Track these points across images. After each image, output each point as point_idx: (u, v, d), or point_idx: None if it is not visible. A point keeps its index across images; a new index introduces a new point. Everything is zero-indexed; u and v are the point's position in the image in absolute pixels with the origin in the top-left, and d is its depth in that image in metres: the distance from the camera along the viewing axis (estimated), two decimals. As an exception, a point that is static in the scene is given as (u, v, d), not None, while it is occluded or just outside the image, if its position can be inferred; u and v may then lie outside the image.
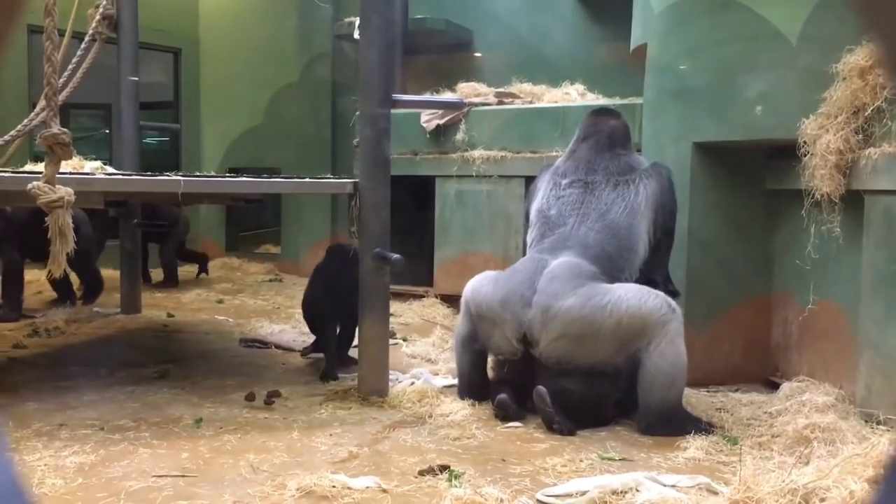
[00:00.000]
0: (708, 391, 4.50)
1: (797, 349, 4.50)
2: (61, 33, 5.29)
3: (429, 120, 7.22)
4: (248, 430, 3.67)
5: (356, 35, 7.25)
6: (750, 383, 4.66)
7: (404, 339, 5.82)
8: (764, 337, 4.80)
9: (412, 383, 4.43)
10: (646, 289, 3.85)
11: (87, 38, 6.11)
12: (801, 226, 4.21)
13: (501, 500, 2.64)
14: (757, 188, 4.72)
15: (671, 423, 3.71)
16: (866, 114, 3.72)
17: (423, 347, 5.50)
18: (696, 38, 4.59)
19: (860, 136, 3.78)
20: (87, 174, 4.17)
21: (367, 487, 2.93)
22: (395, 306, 6.23)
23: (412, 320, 6.69)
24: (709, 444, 3.47)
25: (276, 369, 4.95)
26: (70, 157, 3.07)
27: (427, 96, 7.22)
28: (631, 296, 3.76)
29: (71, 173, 3.74)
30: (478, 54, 9.28)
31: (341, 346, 4.98)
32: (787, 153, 4.19)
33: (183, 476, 3.03)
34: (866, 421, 3.47)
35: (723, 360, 4.71)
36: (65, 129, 2.94)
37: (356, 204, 4.27)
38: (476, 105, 7.09)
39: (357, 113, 4.70)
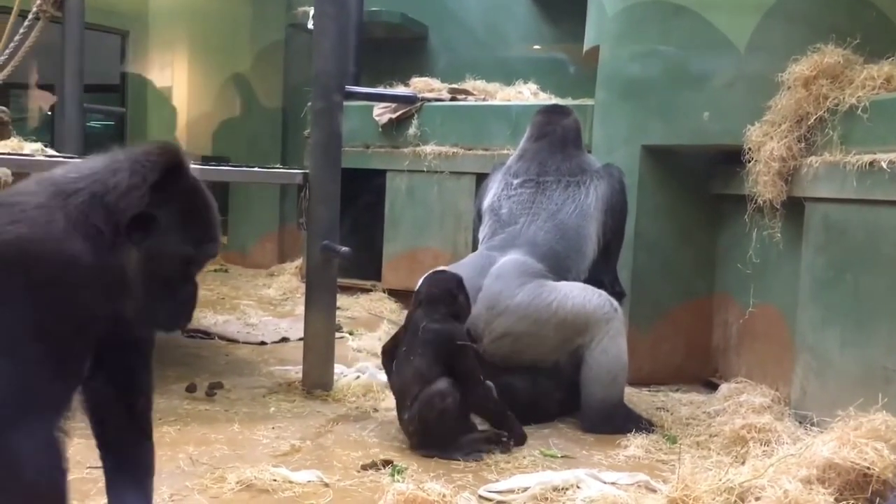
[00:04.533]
0: (650, 390, 4.57)
1: (736, 351, 4.60)
2: (7, 10, 5.12)
3: (381, 114, 7.18)
4: (189, 421, 3.61)
5: (310, 24, 7.17)
6: (690, 383, 4.75)
7: (351, 333, 5.78)
8: (705, 338, 4.89)
9: (357, 377, 4.40)
10: (590, 287, 3.89)
11: (30, 16, 5.91)
12: (744, 230, 4.30)
13: (444, 496, 2.64)
14: (703, 192, 4.81)
15: (613, 421, 3.76)
16: (809, 123, 3.82)
17: (369, 342, 5.47)
18: (648, 42, 4.65)
19: (803, 144, 3.87)
20: (27, 156, 4.04)
21: (309, 481, 2.91)
22: (342, 300, 6.18)
23: (359, 314, 6.65)
24: (649, 443, 3.53)
25: (219, 361, 4.87)
26: (8, 137, 2.98)
27: (380, 89, 7.17)
28: (576, 293, 3.80)
29: (9, 154, 3.62)
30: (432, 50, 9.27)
31: None
32: (732, 159, 4.28)
33: (119, 468, 2.96)
34: (800, 422, 3.56)
35: (664, 360, 4.79)
36: (4, 108, 2.85)
37: (306, 195, 4.22)
38: (429, 100, 7.06)
39: (309, 104, 4.66)
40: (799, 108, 3.85)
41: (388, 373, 3.73)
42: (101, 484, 2.79)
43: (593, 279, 4.12)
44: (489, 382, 3.57)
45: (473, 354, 3.47)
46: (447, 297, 3.54)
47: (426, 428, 3.32)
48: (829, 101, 3.73)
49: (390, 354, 3.67)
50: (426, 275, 3.76)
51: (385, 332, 5.73)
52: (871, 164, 3.36)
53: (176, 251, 1.93)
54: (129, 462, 2.21)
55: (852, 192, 3.47)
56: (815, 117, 3.78)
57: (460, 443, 3.36)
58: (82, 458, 3.04)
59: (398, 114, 7.08)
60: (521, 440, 3.48)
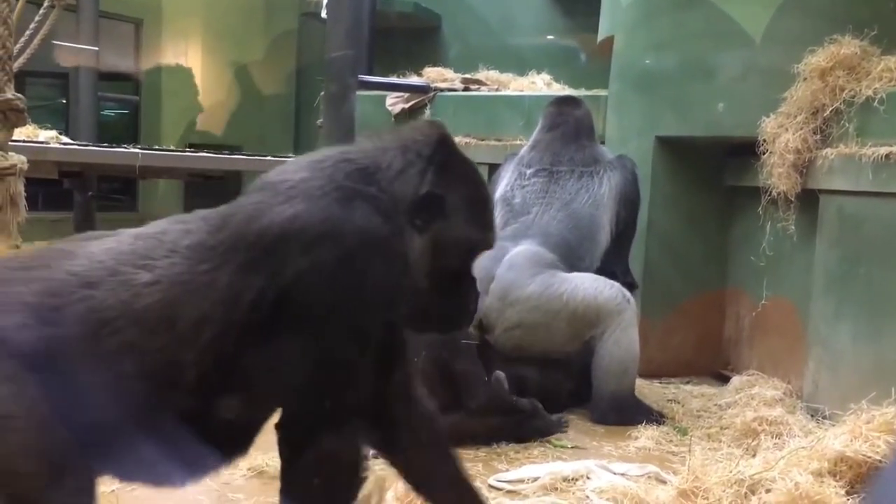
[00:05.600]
0: (660, 382, 4.56)
1: (748, 344, 4.58)
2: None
3: (394, 103, 7.16)
4: (201, 408, 3.63)
5: (323, 13, 7.17)
6: (701, 376, 4.74)
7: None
8: (716, 331, 4.87)
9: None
10: (602, 278, 3.88)
11: (45, 4, 5.93)
12: (757, 223, 4.27)
13: (454, 485, 2.64)
14: (716, 184, 4.78)
15: (623, 412, 3.75)
16: (825, 114, 3.79)
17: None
18: (663, 32, 4.62)
19: (818, 136, 3.84)
20: (42, 143, 4.07)
21: (320, 469, 2.91)
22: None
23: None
24: (659, 434, 3.52)
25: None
26: (24, 124, 2.99)
27: (393, 79, 7.16)
28: (587, 284, 3.80)
29: (25, 141, 3.65)
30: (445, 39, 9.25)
31: None
32: (746, 151, 4.25)
33: (132, 453, 2.99)
34: (812, 415, 3.55)
35: (676, 352, 4.78)
36: (19, 95, 2.86)
37: (318, 184, 4.23)
38: (442, 90, 7.04)
39: (322, 93, 4.66)
40: (815, 100, 3.82)
41: None
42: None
43: (605, 270, 4.11)
44: (500, 373, 3.58)
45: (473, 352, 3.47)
46: None
47: None
48: (846, 93, 3.70)
49: None
50: None
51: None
52: (887, 156, 3.34)
53: (464, 236, 1.70)
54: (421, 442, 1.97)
55: (868, 185, 3.44)
56: (830, 109, 3.75)
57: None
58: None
59: (411, 104, 7.06)
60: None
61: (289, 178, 1.69)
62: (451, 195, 1.67)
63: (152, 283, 1.58)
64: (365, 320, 1.62)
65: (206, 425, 1.63)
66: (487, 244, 1.79)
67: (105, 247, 1.67)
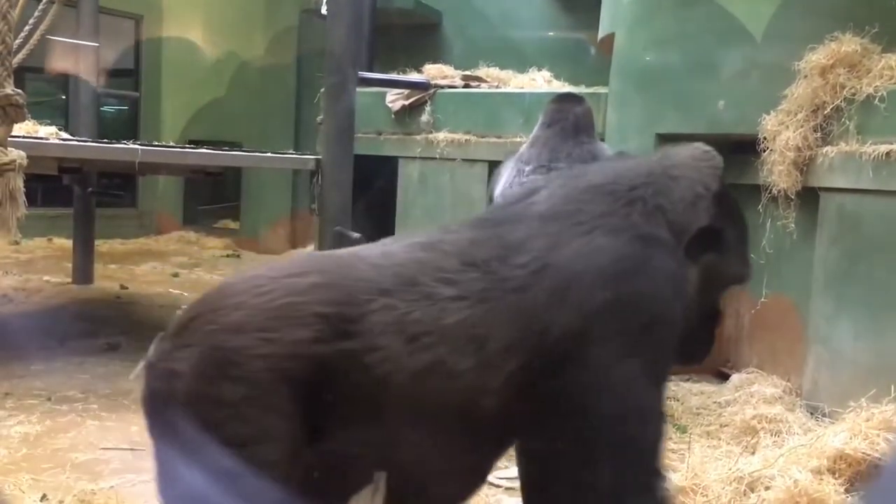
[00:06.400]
0: (660, 380, 4.55)
1: (748, 341, 4.58)
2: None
3: (394, 100, 7.16)
4: (200, 404, 3.62)
5: (323, 10, 7.16)
6: (701, 373, 4.73)
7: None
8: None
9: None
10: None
11: (44, 0, 5.92)
12: (758, 220, 4.27)
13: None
14: (716, 182, 4.77)
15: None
16: (825, 112, 3.79)
17: (380, 328, 5.48)
18: (664, 30, 4.61)
19: (819, 133, 3.84)
20: (41, 139, 4.07)
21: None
22: (353, 286, 6.19)
23: (370, 301, 6.65)
24: (659, 432, 3.52)
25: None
26: (23, 119, 2.98)
27: (393, 76, 7.16)
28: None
29: (24, 137, 3.65)
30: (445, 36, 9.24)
31: None
32: (746, 148, 4.25)
33: (131, 449, 2.99)
34: (812, 413, 3.55)
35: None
36: (19, 91, 2.85)
37: (318, 181, 4.23)
38: (442, 87, 7.04)
39: (322, 89, 4.65)
40: (815, 98, 3.82)
41: None
42: (114, 465, 2.83)
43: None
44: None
45: None
46: None
47: None
48: (846, 91, 3.69)
49: None
50: None
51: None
52: (887, 154, 3.34)
53: (730, 270, 1.70)
54: None
55: (868, 183, 3.44)
56: (831, 107, 3.75)
57: None
58: (94, 439, 3.08)
59: (411, 101, 7.06)
60: None
61: (583, 208, 1.62)
62: (726, 229, 1.68)
63: (458, 299, 1.48)
64: (665, 356, 1.59)
65: (486, 450, 1.57)
66: (746, 279, 1.80)
67: (380, 252, 1.54)
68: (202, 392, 1.37)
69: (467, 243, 1.56)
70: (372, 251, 1.57)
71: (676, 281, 1.57)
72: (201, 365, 1.36)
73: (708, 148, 1.80)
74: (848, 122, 3.65)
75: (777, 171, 3.96)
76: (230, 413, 1.36)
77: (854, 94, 3.64)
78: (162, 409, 1.41)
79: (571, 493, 1.55)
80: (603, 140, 4.77)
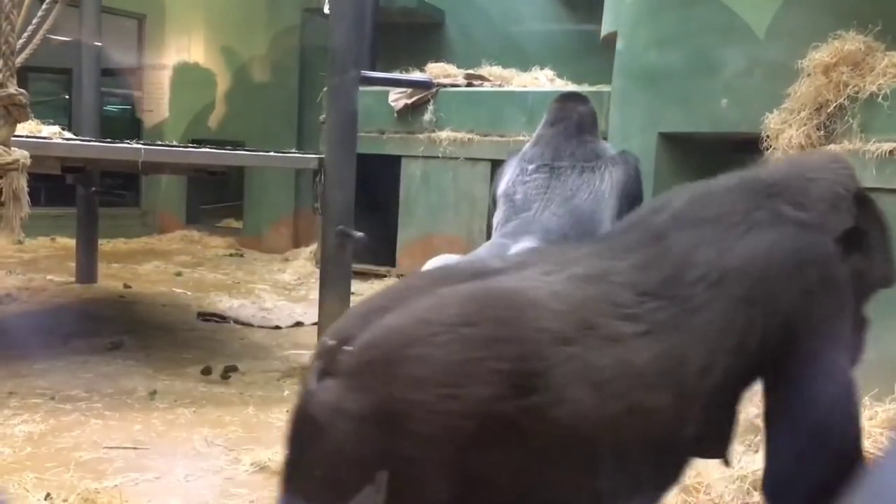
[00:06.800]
0: (663, 379, 4.55)
1: (751, 340, 4.57)
2: (23, -8, 5.11)
3: (397, 99, 7.17)
4: (204, 404, 3.64)
5: (326, 8, 7.16)
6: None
7: (364, 318, 5.78)
8: (720, 327, 4.86)
9: (371, 362, 4.41)
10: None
11: (48, 0, 5.93)
12: (761, 219, 4.26)
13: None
14: (719, 180, 4.77)
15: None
16: (829, 110, 3.78)
17: (383, 327, 5.48)
18: (667, 28, 4.61)
19: (822, 132, 3.83)
20: (45, 138, 4.07)
21: (322, 464, 2.92)
22: (356, 285, 6.18)
23: (373, 299, 6.65)
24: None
25: (233, 344, 4.90)
26: (26, 119, 2.98)
27: (396, 75, 7.16)
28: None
29: (27, 137, 3.65)
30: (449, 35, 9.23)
31: None
32: (750, 146, 4.24)
33: (135, 448, 3.00)
34: (815, 412, 3.54)
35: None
36: (22, 90, 2.86)
37: (321, 180, 4.23)
38: (445, 86, 7.05)
39: (325, 88, 4.65)
40: (818, 96, 3.81)
41: None
42: (118, 464, 2.83)
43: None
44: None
45: None
46: None
47: None
48: (850, 89, 3.69)
49: None
50: (431, 260, 3.76)
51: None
52: (890, 152, 3.33)
53: (875, 272, 1.68)
54: None
55: (871, 181, 3.43)
56: (834, 105, 3.74)
57: None
58: (98, 438, 3.09)
59: (414, 99, 7.07)
60: None
61: (727, 209, 1.61)
62: (871, 230, 1.65)
63: (643, 335, 1.40)
64: (850, 353, 1.58)
65: (674, 477, 1.52)
66: (893, 282, 1.77)
67: (548, 294, 1.42)
68: (373, 439, 1.29)
69: (632, 270, 1.50)
70: (536, 287, 1.44)
71: (839, 277, 1.55)
72: (376, 414, 1.28)
73: (838, 153, 1.80)
74: (851, 121, 3.65)
75: (780, 170, 3.95)
76: (394, 466, 1.28)
77: (857, 93, 3.64)
78: (316, 442, 1.34)
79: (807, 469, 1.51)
80: (606, 139, 4.77)
